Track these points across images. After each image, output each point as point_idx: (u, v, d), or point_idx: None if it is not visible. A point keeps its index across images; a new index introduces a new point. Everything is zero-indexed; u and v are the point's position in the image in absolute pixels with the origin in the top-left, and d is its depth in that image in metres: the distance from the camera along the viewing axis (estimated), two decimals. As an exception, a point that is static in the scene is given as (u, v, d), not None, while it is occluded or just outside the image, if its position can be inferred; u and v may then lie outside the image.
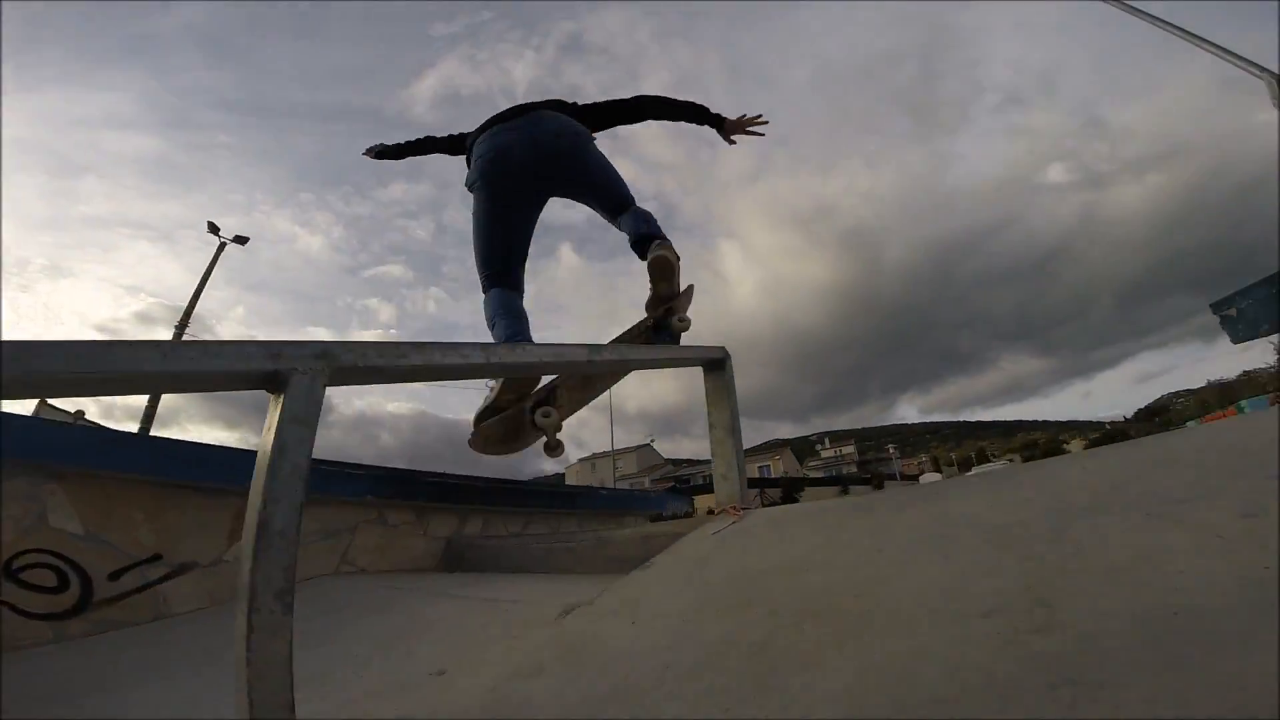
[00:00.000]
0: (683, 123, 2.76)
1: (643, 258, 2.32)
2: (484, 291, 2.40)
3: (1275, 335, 2.24)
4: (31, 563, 2.32)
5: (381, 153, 2.93)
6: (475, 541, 3.66)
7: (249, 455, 2.38)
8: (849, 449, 74.32)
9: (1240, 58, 5.96)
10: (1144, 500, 1.08)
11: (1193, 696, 0.59)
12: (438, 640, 1.81)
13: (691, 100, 2.75)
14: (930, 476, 43.63)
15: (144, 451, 2.85)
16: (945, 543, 1.19)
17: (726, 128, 2.75)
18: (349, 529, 3.27)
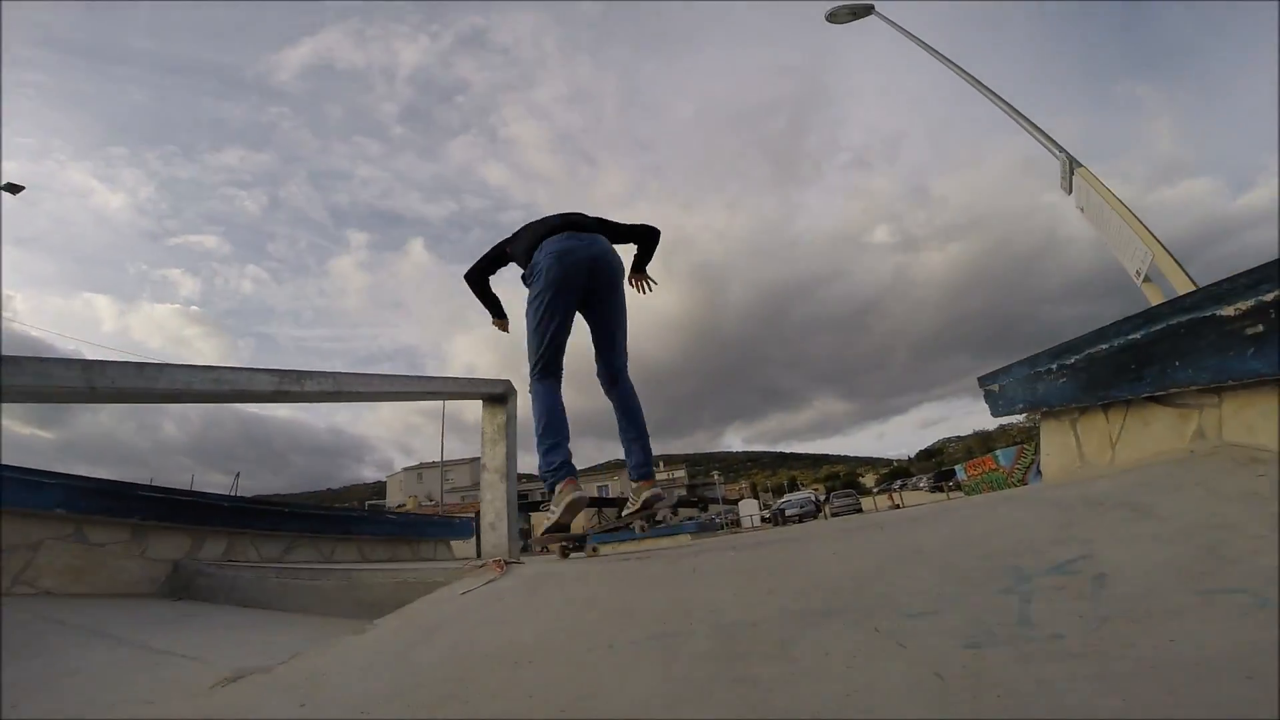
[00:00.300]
0: (637, 244, 3.16)
1: (636, 479, 2.69)
2: (533, 379, 2.53)
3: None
4: None
5: (500, 314, 3.06)
6: (207, 568, 3.11)
7: None
8: (680, 473, 77.43)
9: (1045, 135, 6.66)
10: (879, 608, 0.97)
11: None
12: (60, 699, 1.38)
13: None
14: (748, 502, 46.60)
15: None
16: (675, 645, 1.02)
17: (642, 271, 3.14)
18: (29, 545, 2.76)
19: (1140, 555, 0.96)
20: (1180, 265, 4.71)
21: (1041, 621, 0.81)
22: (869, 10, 8.74)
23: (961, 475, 31.21)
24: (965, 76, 7.41)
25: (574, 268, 2.57)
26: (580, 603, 1.42)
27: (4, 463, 2.83)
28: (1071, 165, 6.04)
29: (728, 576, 1.29)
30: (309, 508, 3.93)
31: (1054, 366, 1.92)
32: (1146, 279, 5.26)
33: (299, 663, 1.36)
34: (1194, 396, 1.50)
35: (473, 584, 1.77)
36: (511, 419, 2.08)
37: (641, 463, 2.73)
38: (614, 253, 2.78)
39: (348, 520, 4.02)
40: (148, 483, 3.55)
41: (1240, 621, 0.71)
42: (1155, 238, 4.95)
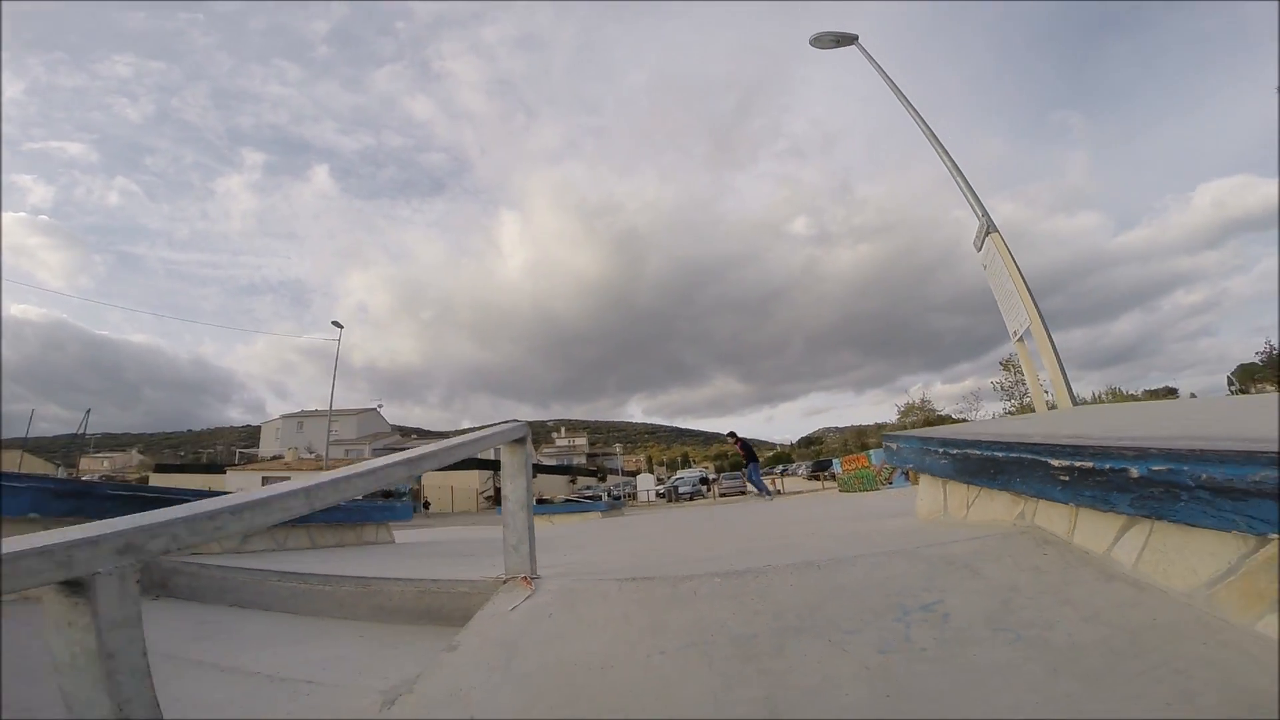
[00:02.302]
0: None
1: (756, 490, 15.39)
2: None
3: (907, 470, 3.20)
4: None
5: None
6: (186, 565, 3.09)
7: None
8: (581, 440, 78.44)
9: (975, 196, 7.32)
10: (828, 627, 1.63)
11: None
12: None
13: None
14: (645, 477, 48.27)
15: None
16: (709, 650, 1.62)
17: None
18: None
19: (969, 603, 1.67)
20: (1050, 336, 5.81)
21: (917, 640, 1.49)
22: (852, 40, 9.43)
23: (838, 468, 33.88)
24: (921, 124, 8.23)
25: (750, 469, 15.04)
26: (618, 619, 1.91)
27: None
28: (988, 228, 6.98)
29: (723, 600, 1.91)
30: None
31: (939, 450, 2.68)
32: (1020, 339, 6.40)
33: (431, 682, 1.62)
34: (1020, 495, 2.28)
35: (514, 600, 2.13)
36: (529, 455, 2.53)
37: (762, 490, 14.49)
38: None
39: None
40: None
41: (1012, 648, 1.40)
42: (1036, 308, 6.03)
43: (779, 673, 1.44)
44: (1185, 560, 1.53)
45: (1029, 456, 2.00)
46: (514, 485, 2.47)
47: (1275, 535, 1.22)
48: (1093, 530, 1.85)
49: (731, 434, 15.53)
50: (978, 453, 2.33)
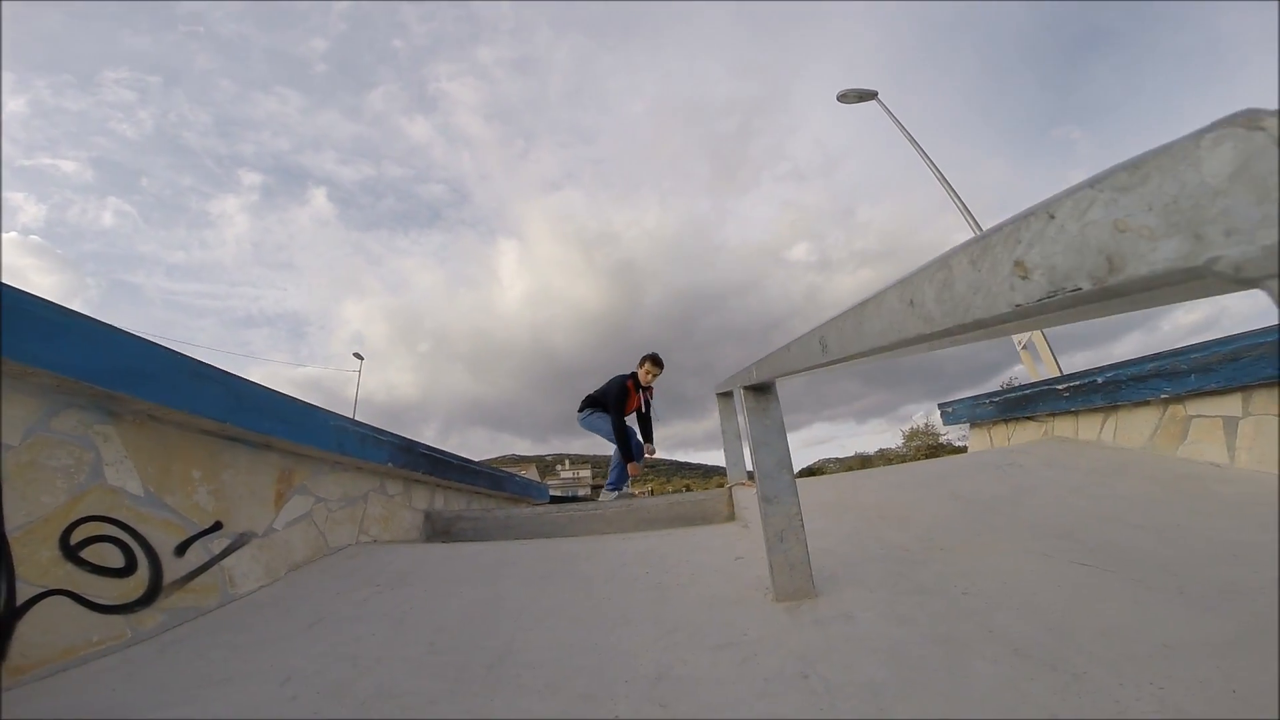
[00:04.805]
0: None
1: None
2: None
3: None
4: (93, 535, 1.76)
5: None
6: (466, 514, 3.59)
7: (297, 405, 2.55)
8: (585, 473, 79.10)
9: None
10: (990, 499, 3.10)
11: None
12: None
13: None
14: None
15: (221, 388, 2.19)
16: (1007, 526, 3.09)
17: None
18: (362, 497, 3.07)
19: (1031, 462, 3.14)
20: (1048, 344, 7.37)
21: (1012, 475, 2.97)
22: (873, 95, 11.23)
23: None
24: (942, 181, 9.89)
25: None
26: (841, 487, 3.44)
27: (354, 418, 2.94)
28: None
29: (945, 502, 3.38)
30: (485, 468, 4.82)
31: (987, 401, 4.19)
32: (1024, 348, 7.98)
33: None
34: (1043, 419, 3.78)
35: (745, 497, 3.72)
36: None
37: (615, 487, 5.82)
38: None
39: (498, 479, 5.03)
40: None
41: (1057, 471, 2.88)
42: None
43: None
44: (1136, 430, 3.02)
45: (1045, 388, 3.52)
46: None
47: (1164, 396, 2.72)
48: (1087, 428, 3.35)
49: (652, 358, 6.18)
50: (1014, 395, 3.84)
